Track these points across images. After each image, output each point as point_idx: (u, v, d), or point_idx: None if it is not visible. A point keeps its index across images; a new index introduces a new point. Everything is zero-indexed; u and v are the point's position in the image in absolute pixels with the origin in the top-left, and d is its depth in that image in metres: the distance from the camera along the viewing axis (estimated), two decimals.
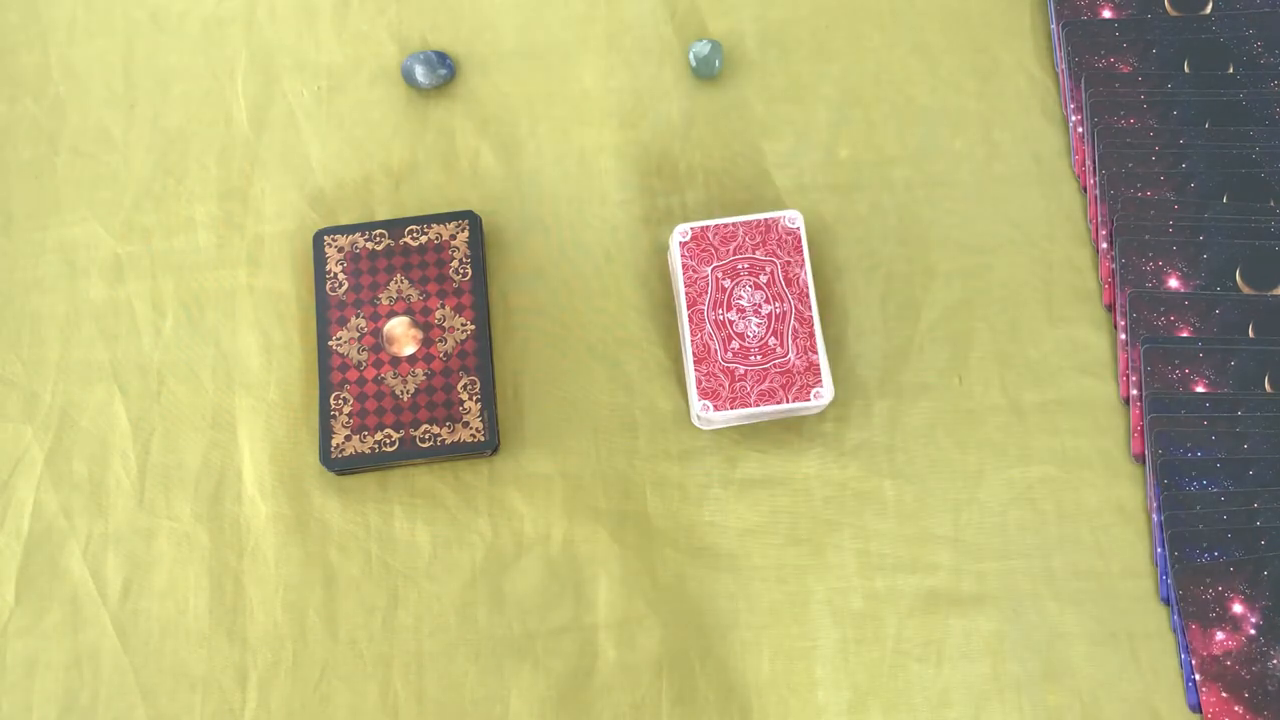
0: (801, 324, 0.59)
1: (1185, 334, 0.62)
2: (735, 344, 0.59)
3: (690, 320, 0.60)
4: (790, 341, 0.59)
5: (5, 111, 0.68)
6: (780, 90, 0.68)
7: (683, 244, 0.61)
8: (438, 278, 0.63)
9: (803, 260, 0.60)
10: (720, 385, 0.58)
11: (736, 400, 0.58)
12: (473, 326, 0.62)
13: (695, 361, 0.59)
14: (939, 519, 0.60)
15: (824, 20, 0.69)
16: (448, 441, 0.60)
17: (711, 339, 0.59)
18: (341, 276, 0.63)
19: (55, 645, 0.59)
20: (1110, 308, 0.63)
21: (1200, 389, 0.61)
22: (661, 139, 0.67)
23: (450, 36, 0.69)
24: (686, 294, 0.60)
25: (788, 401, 0.58)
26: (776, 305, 0.59)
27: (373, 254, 0.63)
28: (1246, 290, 0.62)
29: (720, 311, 0.60)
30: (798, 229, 0.61)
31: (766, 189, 0.66)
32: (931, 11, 0.69)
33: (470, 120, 0.68)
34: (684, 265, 0.61)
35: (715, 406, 0.58)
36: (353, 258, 0.63)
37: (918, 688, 0.58)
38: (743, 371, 0.59)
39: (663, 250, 0.65)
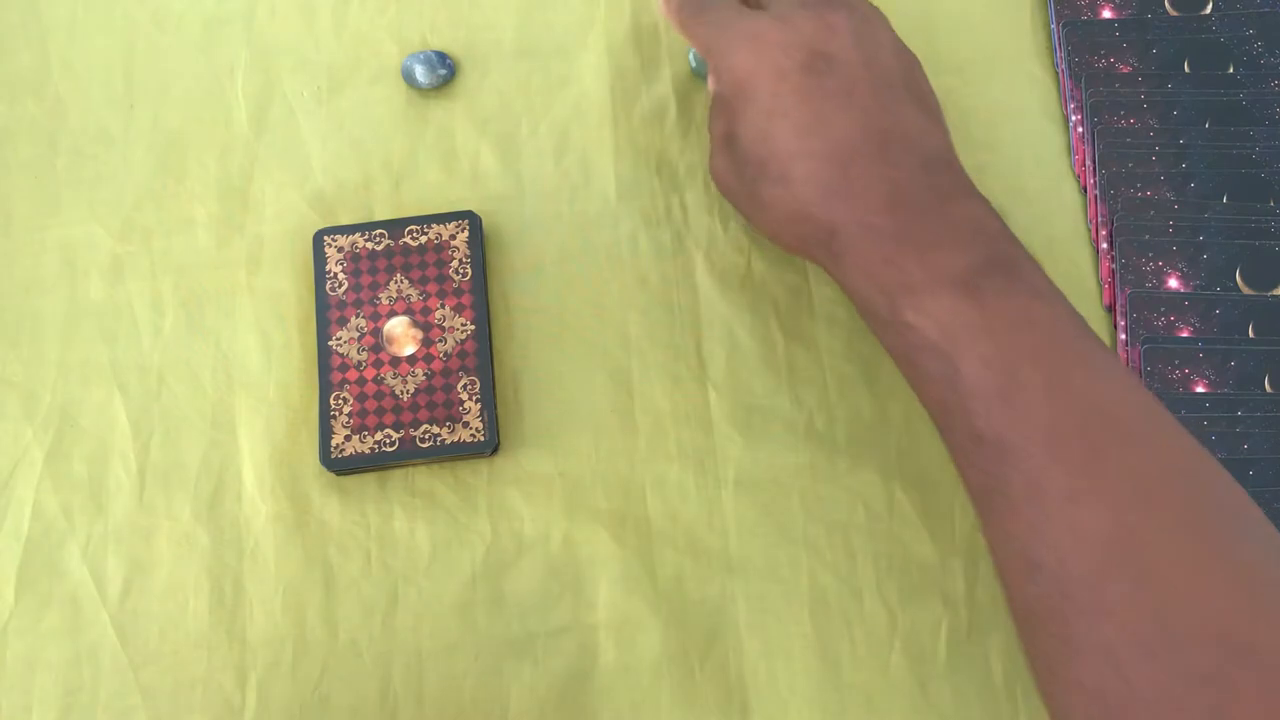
0: None
1: (1185, 334, 0.62)
2: None
3: None
4: None
5: (5, 111, 0.68)
6: None
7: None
8: (438, 278, 0.63)
9: None
10: None
11: None
12: (473, 326, 0.62)
13: None
14: (939, 519, 0.60)
15: None
16: (448, 441, 0.60)
17: None
18: (341, 276, 0.63)
19: (55, 645, 0.59)
20: (1110, 308, 0.63)
21: (1200, 389, 0.61)
22: (661, 139, 0.67)
23: (450, 36, 0.69)
24: None
25: None
26: None
27: (373, 254, 0.63)
28: (1246, 290, 0.62)
29: None
30: None
31: None
32: (931, 11, 0.69)
33: (470, 120, 0.68)
34: None
35: None
36: (353, 258, 0.63)
37: (918, 688, 0.58)
38: None
39: (663, 250, 0.65)
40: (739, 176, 0.56)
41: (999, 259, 0.50)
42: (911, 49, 0.57)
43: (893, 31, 0.58)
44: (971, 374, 0.47)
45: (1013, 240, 0.51)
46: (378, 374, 0.61)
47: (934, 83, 0.68)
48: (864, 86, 0.54)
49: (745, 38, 0.56)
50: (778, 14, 0.56)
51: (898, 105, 0.54)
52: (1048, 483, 0.45)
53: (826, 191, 0.52)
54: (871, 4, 0.59)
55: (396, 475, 0.61)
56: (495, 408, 0.61)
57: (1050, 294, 0.50)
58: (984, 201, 0.53)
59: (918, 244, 0.50)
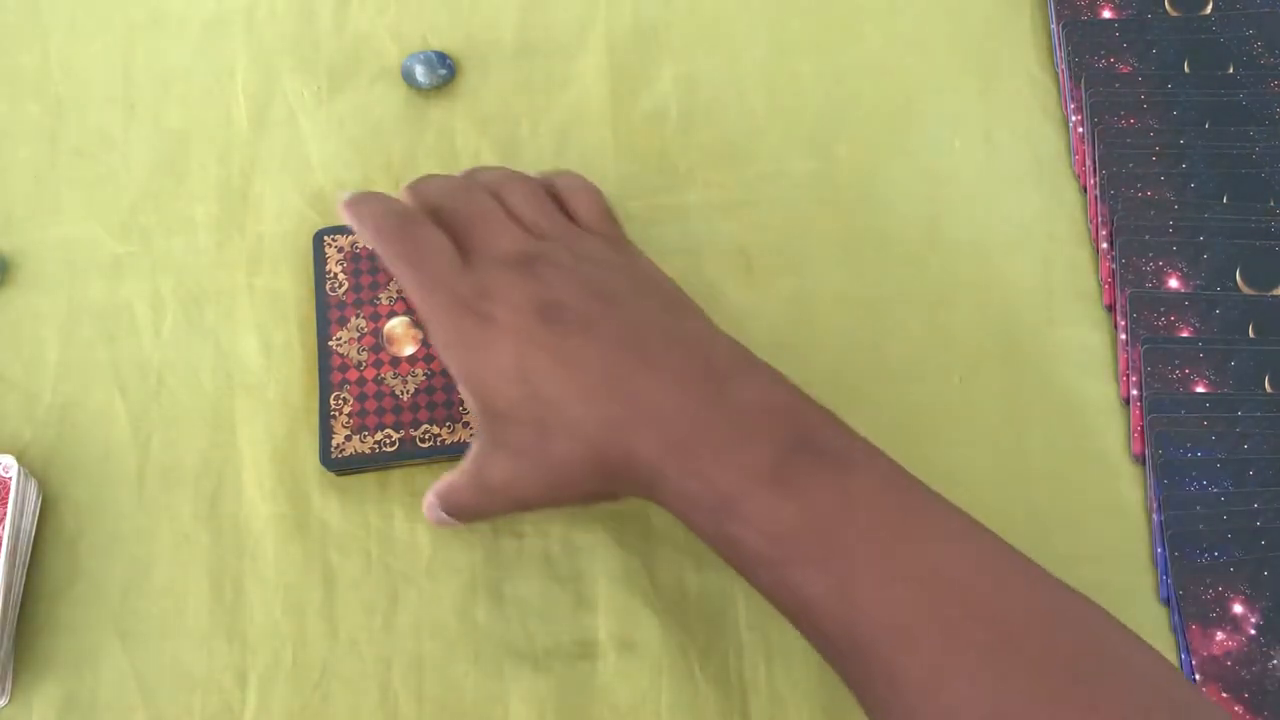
0: None
1: (1185, 334, 0.62)
2: None
3: None
4: None
5: (5, 111, 0.68)
6: (780, 90, 0.68)
7: None
8: None
9: None
10: None
11: None
12: None
13: None
14: None
15: (824, 19, 0.69)
16: (448, 441, 0.60)
17: None
18: (341, 276, 0.63)
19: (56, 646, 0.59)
20: (1110, 308, 0.63)
21: (1200, 389, 0.61)
22: (662, 139, 0.67)
23: (450, 36, 0.69)
24: None
25: None
26: None
27: (372, 254, 0.63)
28: (1246, 290, 0.62)
29: None
30: None
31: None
32: (931, 11, 0.69)
33: (470, 120, 0.68)
34: None
35: None
36: (353, 258, 0.63)
37: None
38: None
39: (664, 250, 0.65)
40: (521, 455, 0.51)
41: (798, 436, 0.48)
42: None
43: (596, 240, 0.56)
44: (805, 581, 0.45)
45: (803, 401, 0.50)
46: (378, 374, 0.61)
47: (934, 86, 0.68)
48: (598, 311, 0.51)
49: (470, 345, 0.52)
50: (483, 285, 0.52)
51: (638, 310, 0.51)
52: (904, 676, 0.43)
53: (609, 422, 0.49)
54: (564, 224, 0.57)
55: (396, 475, 0.61)
56: None
57: (859, 453, 0.48)
58: (763, 368, 0.51)
59: (714, 448, 0.47)
